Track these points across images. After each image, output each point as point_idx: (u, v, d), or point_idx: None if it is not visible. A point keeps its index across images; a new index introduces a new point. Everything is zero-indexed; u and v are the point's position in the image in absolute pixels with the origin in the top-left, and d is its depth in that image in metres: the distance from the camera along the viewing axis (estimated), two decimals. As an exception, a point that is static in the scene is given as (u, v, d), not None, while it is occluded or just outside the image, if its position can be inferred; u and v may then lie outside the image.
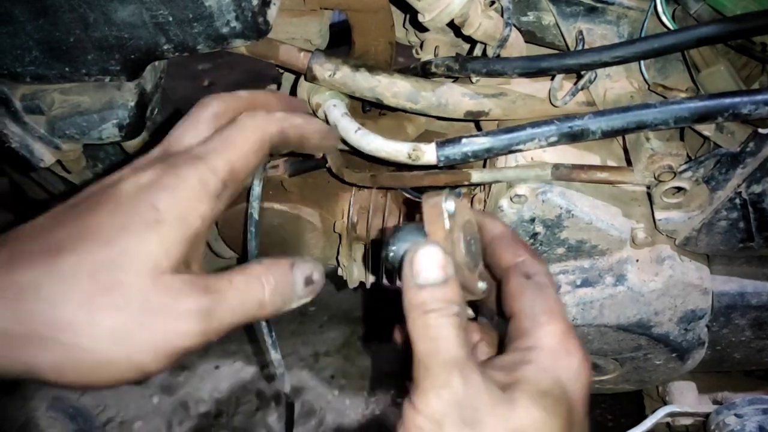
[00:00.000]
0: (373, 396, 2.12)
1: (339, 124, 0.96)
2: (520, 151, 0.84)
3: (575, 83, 0.93)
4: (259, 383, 2.21)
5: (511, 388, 0.50)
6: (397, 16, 1.08)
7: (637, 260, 1.01)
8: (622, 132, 0.82)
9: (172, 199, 0.49)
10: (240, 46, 0.88)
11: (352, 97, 1.00)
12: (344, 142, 0.96)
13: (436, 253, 0.53)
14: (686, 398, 1.28)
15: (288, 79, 1.14)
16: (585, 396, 0.54)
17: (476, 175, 0.96)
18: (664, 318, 1.02)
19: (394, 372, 2.13)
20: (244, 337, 2.32)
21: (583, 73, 0.92)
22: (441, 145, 0.87)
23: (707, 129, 0.89)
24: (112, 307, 0.45)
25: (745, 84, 0.89)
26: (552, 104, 0.96)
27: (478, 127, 1.07)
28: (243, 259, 1.72)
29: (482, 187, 1.08)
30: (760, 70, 0.89)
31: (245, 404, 2.16)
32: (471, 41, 0.98)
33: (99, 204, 0.49)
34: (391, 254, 0.58)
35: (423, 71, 0.97)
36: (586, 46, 0.92)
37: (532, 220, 0.97)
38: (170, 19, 0.79)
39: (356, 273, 1.32)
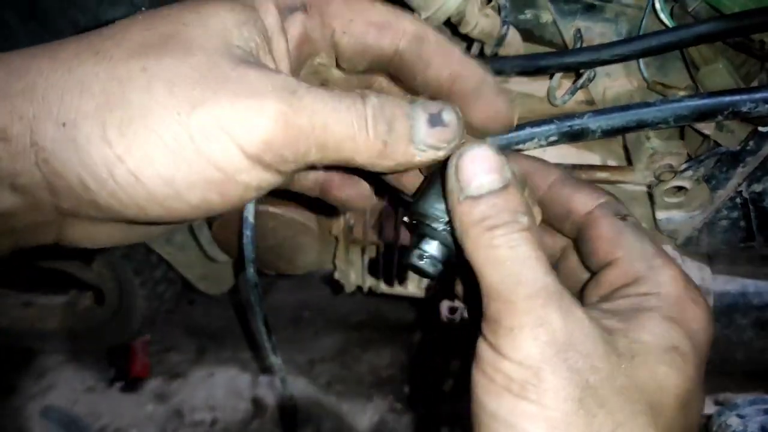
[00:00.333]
0: (371, 402, 2.11)
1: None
2: (520, 150, 0.83)
3: (574, 82, 0.93)
4: (254, 390, 2.19)
5: (629, 338, 0.41)
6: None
7: (638, 261, 1.00)
8: (622, 131, 0.81)
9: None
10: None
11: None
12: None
13: (487, 154, 0.44)
14: (688, 400, 1.28)
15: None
16: (708, 353, 0.46)
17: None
18: (665, 319, 1.01)
19: (392, 377, 2.12)
20: (239, 344, 2.31)
21: (582, 71, 0.91)
22: (439, 145, 0.86)
23: (707, 128, 0.88)
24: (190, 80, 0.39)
25: (744, 82, 0.88)
26: (551, 103, 0.95)
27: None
28: (239, 264, 1.71)
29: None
30: (758, 67, 0.88)
31: (241, 411, 2.14)
32: (468, 40, 0.97)
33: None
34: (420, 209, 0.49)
35: (420, 71, 0.96)
36: (584, 45, 0.91)
37: (532, 221, 0.96)
38: (162, 20, 0.78)
39: (353, 277, 1.31)
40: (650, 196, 0.97)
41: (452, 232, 0.46)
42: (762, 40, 0.81)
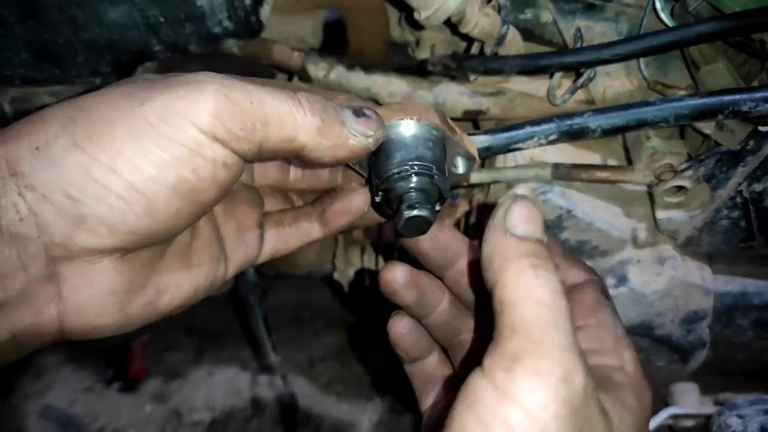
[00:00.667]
0: (371, 402, 2.10)
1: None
2: (520, 149, 0.83)
3: (574, 81, 0.92)
4: (254, 390, 2.19)
5: (610, 409, 0.43)
6: (393, 14, 1.07)
7: (639, 261, 1.00)
8: (622, 130, 0.81)
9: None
10: (233, 46, 0.87)
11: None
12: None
13: (537, 212, 0.46)
14: (688, 400, 1.27)
15: (282, 79, 1.13)
16: None
17: (475, 176, 0.95)
18: (666, 319, 1.01)
19: (392, 377, 2.11)
20: (239, 343, 2.30)
21: (582, 71, 0.91)
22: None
23: (707, 127, 0.88)
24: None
25: (745, 81, 0.88)
26: (551, 103, 0.95)
27: (476, 126, 1.06)
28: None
29: (481, 187, 1.07)
30: (759, 67, 0.88)
31: (240, 411, 2.14)
32: (468, 39, 0.97)
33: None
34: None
35: (419, 70, 0.96)
36: (584, 44, 0.91)
37: (532, 220, 0.96)
38: (162, 19, 0.78)
39: (352, 277, 1.30)
40: (650, 196, 0.97)
41: (430, 177, 0.54)
42: (762, 39, 0.81)
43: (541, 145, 0.83)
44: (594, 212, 0.95)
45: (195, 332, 2.40)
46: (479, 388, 0.39)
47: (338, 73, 0.95)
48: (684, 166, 0.89)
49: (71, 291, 0.45)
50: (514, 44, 0.94)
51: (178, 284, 0.53)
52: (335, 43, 1.09)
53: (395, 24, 1.10)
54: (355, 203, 0.62)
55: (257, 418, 2.12)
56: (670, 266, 0.99)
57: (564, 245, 0.99)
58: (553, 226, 0.96)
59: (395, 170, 0.54)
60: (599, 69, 0.93)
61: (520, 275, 0.41)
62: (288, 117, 0.47)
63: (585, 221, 0.95)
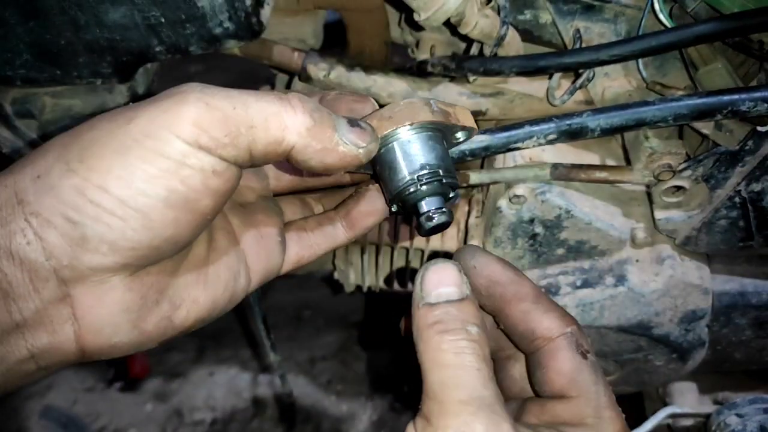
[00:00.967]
0: (371, 401, 2.11)
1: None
2: (519, 149, 0.83)
3: (573, 82, 0.93)
4: (254, 390, 2.19)
5: None
6: (392, 15, 1.08)
7: (637, 260, 1.00)
8: (621, 130, 0.82)
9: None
10: (233, 47, 0.87)
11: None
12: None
13: (451, 270, 0.49)
14: (687, 399, 1.28)
15: (282, 80, 1.13)
16: None
17: (474, 176, 0.95)
18: (664, 318, 1.02)
19: (392, 376, 2.12)
20: (239, 343, 2.31)
21: (581, 71, 0.92)
22: (438, 145, 0.86)
23: (706, 127, 0.88)
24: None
25: (743, 82, 0.88)
26: (550, 103, 0.96)
27: (476, 127, 1.07)
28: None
29: (480, 188, 1.07)
30: (757, 67, 0.88)
31: (241, 411, 2.15)
32: (467, 40, 0.97)
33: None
34: None
35: (419, 70, 0.97)
36: (583, 45, 0.91)
37: (531, 220, 0.96)
38: (162, 20, 0.78)
39: (353, 277, 1.31)
40: (649, 196, 0.97)
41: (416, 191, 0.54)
42: (761, 40, 0.81)
43: (540, 144, 0.83)
44: (593, 212, 0.96)
45: (195, 332, 2.40)
46: None
47: (338, 73, 0.95)
48: (683, 166, 0.90)
49: (85, 311, 0.46)
50: (514, 45, 0.94)
51: (194, 298, 0.53)
52: (335, 43, 1.09)
53: (395, 25, 1.10)
54: (381, 203, 0.62)
55: (258, 418, 2.13)
56: (668, 266, 0.99)
57: (563, 245, 1.00)
58: (552, 226, 0.97)
59: (403, 185, 0.55)
60: (598, 69, 0.93)
61: (428, 344, 0.47)
62: (274, 118, 0.46)
63: (584, 221, 0.95)
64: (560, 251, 1.01)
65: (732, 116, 0.78)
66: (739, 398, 1.13)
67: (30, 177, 0.44)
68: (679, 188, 0.92)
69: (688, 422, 1.25)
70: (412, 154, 0.54)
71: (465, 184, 0.97)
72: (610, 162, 0.99)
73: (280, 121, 0.46)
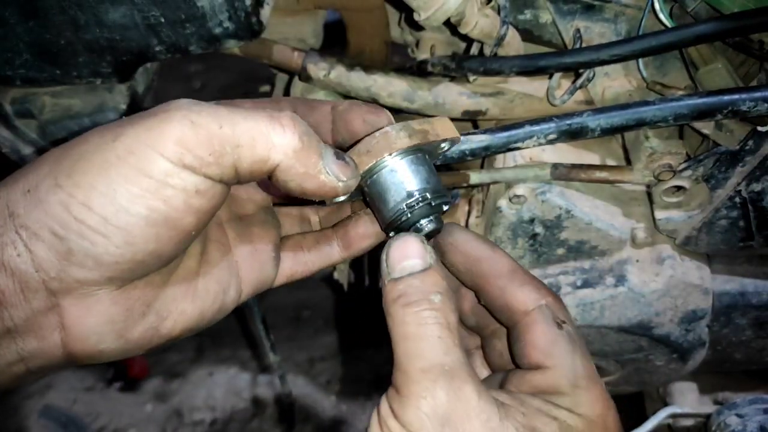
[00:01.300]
0: (370, 401, 2.11)
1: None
2: (519, 149, 0.83)
3: (573, 82, 0.93)
4: (254, 390, 2.19)
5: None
6: (392, 14, 1.08)
7: (638, 260, 1.00)
8: (621, 129, 0.82)
9: None
10: (233, 46, 0.87)
11: (347, 97, 0.99)
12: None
13: (412, 242, 0.51)
14: (687, 399, 1.28)
15: (282, 79, 1.13)
16: None
17: (475, 176, 0.95)
18: (665, 319, 1.02)
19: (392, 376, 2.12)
20: (238, 343, 2.31)
21: (581, 71, 0.91)
22: (439, 144, 0.86)
23: (706, 127, 0.88)
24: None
25: (744, 81, 0.88)
26: (550, 103, 0.95)
27: (476, 127, 1.07)
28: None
29: (480, 188, 1.07)
30: (758, 67, 0.88)
31: (240, 411, 2.15)
32: (468, 40, 0.97)
33: None
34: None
35: (419, 70, 0.97)
36: (583, 45, 0.91)
37: (532, 220, 0.96)
38: (162, 20, 0.78)
39: (352, 276, 1.31)
40: (649, 196, 0.97)
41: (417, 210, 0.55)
42: (761, 40, 0.81)
43: (540, 144, 0.84)
44: (593, 212, 0.96)
45: (195, 332, 2.40)
46: (382, 403, 0.48)
47: (338, 73, 0.95)
48: (683, 166, 0.90)
49: (72, 320, 0.47)
50: (514, 45, 0.94)
51: (182, 310, 0.53)
52: (335, 43, 1.09)
53: (395, 24, 1.10)
54: (377, 227, 0.62)
55: (257, 418, 2.13)
56: (668, 266, 0.99)
57: (563, 245, 0.99)
58: (552, 226, 0.97)
59: (394, 215, 0.56)
60: (598, 69, 0.93)
61: (394, 318, 0.48)
62: (261, 138, 0.46)
63: (584, 221, 0.95)
64: (560, 251, 1.01)
65: (732, 116, 0.78)
66: (739, 398, 1.13)
67: (21, 190, 0.45)
68: (679, 188, 0.92)
69: (688, 422, 1.25)
70: (398, 183, 0.55)
71: (465, 184, 0.96)
72: (610, 162, 0.99)
73: (268, 140, 0.46)
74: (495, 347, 0.61)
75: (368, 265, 1.38)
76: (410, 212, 0.55)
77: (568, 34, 0.93)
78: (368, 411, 2.08)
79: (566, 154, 0.97)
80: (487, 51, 0.93)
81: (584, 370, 0.51)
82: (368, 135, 0.55)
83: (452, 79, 0.98)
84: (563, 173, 0.92)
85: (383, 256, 0.51)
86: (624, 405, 0.54)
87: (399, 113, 0.98)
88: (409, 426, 0.45)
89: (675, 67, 0.93)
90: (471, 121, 1.03)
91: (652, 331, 1.03)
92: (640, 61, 0.92)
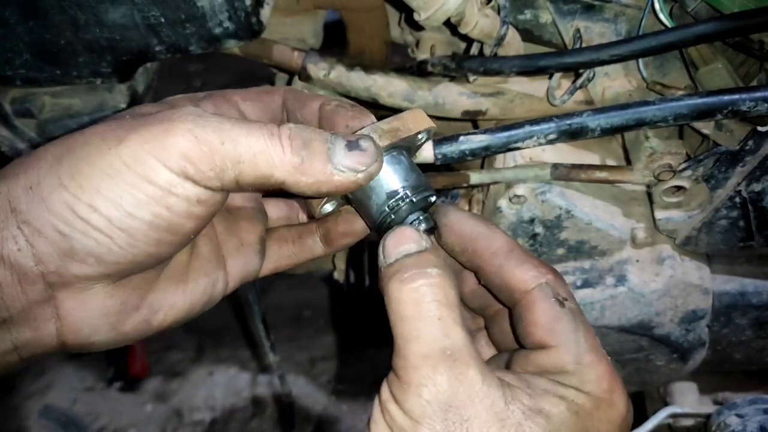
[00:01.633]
0: (371, 401, 2.11)
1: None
2: (519, 148, 0.83)
3: (573, 82, 0.93)
4: (254, 389, 2.19)
5: (525, 414, 0.45)
6: (392, 14, 1.08)
7: (638, 260, 1.00)
8: (621, 129, 0.82)
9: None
10: (233, 46, 0.87)
11: (346, 97, 0.99)
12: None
13: (408, 231, 0.51)
14: (687, 399, 1.28)
15: (282, 79, 1.13)
16: None
17: (475, 177, 0.95)
18: (665, 318, 1.02)
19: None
20: (238, 343, 2.31)
21: (581, 71, 0.91)
22: (438, 142, 0.86)
23: (706, 127, 0.88)
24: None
25: (744, 82, 0.88)
26: (550, 103, 0.95)
27: (476, 127, 1.07)
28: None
29: (480, 188, 1.07)
30: (758, 67, 0.88)
31: (240, 411, 2.15)
32: (468, 40, 0.97)
33: None
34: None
35: (419, 70, 0.97)
36: (583, 45, 0.91)
37: (532, 220, 0.96)
38: (162, 20, 0.78)
39: (352, 276, 1.31)
40: (649, 196, 0.97)
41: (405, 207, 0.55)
42: (761, 40, 0.81)
43: (540, 144, 0.83)
44: (593, 212, 0.96)
45: (195, 331, 2.40)
46: (383, 387, 0.47)
47: (338, 73, 0.95)
48: (683, 166, 0.90)
49: (67, 312, 0.49)
50: (514, 45, 0.94)
51: (173, 303, 0.55)
52: (335, 43, 1.09)
53: (395, 25, 1.10)
54: (358, 226, 0.63)
55: (257, 418, 2.13)
56: (668, 266, 0.99)
57: (563, 245, 0.99)
58: (552, 226, 0.97)
59: (377, 218, 0.56)
60: (598, 69, 0.93)
61: (390, 298, 0.47)
62: (262, 156, 0.47)
63: (584, 221, 0.95)
64: (560, 251, 1.01)
65: (732, 116, 0.78)
66: (739, 398, 1.13)
67: (23, 186, 0.46)
68: (679, 188, 0.92)
69: (688, 422, 1.25)
70: (377, 186, 0.55)
71: (465, 184, 0.96)
72: (610, 162, 0.99)
73: (268, 158, 0.47)
74: (499, 327, 0.60)
75: (368, 266, 1.38)
76: (393, 213, 0.55)
77: (568, 34, 0.94)
78: (368, 411, 2.08)
79: (566, 154, 0.97)
80: (487, 51, 0.93)
81: (589, 347, 0.50)
82: None
83: (452, 79, 0.98)
84: (563, 173, 0.92)
85: (380, 250, 0.51)
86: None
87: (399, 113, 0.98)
88: (411, 413, 0.44)
89: (675, 67, 0.93)
90: (471, 121, 1.03)
91: (653, 331, 1.03)
92: (640, 61, 0.92)
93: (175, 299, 0.55)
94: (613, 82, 0.95)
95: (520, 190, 0.93)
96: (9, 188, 0.46)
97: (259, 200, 0.66)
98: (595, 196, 0.97)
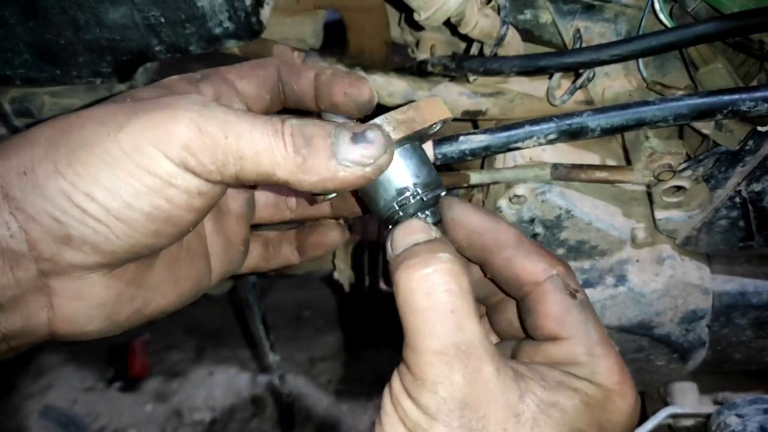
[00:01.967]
0: (371, 401, 2.11)
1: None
2: (519, 148, 0.83)
3: (573, 82, 0.93)
4: (254, 389, 2.19)
5: (539, 408, 0.44)
6: (392, 14, 1.08)
7: (638, 260, 1.00)
8: (621, 129, 0.82)
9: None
10: (233, 46, 0.87)
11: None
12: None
13: (416, 223, 0.50)
14: (687, 399, 1.28)
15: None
16: None
17: (475, 177, 0.95)
18: (665, 318, 1.02)
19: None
20: (239, 343, 2.31)
21: (581, 71, 0.91)
22: (438, 142, 0.86)
23: (706, 127, 0.88)
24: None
25: (744, 82, 0.88)
26: (550, 103, 0.95)
27: (476, 127, 1.07)
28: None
29: (480, 188, 1.07)
30: (758, 67, 0.88)
31: (240, 411, 2.15)
32: (468, 40, 0.97)
33: None
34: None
35: (419, 70, 0.97)
36: (583, 45, 0.91)
37: (532, 220, 0.96)
38: (162, 20, 0.78)
39: (353, 276, 1.31)
40: (649, 196, 0.97)
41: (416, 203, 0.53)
42: (761, 40, 0.81)
43: (540, 144, 0.83)
44: (593, 212, 0.96)
45: (195, 331, 2.40)
46: (394, 379, 0.46)
47: (338, 73, 0.95)
48: (683, 166, 0.90)
49: (62, 302, 0.48)
50: (514, 45, 0.94)
51: (164, 293, 0.55)
52: (335, 43, 1.09)
53: (395, 25, 1.10)
54: (329, 238, 0.65)
55: (257, 418, 2.13)
56: (668, 266, 0.99)
57: (563, 245, 0.99)
58: (552, 226, 0.97)
59: (386, 213, 0.54)
60: (598, 69, 0.93)
61: (400, 286, 0.45)
62: (265, 154, 0.45)
63: (584, 221, 0.95)
64: (560, 251, 1.01)
65: (732, 116, 0.78)
66: (739, 398, 1.13)
67: (16, 171, 0.45)
68: (679, 188, 0.92)
69: (688, 422, 1.25)
70: (386, 180, 0.53)
71: (465, 184, 0.96)
72: (610, 162, 0.99)
73: (271, 156, 0.45)
74: (503, 316, 0.59)
75: (368, 266, 1.38)
76: (402, 210, 0.53)
77: (568, 34, 0.94)
78: (369, 411, 2.08)
79: (566, 154, 0.97)
80: (487, 51, 0.93)
81: (599, 339, 0.50)
82: None
83: (452, 79, 0.98)
84: (563, 173, 0.92)
85: (387, 243, 0.50)
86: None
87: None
88: (426, 410, 0.43)
89: (675, 67, 0.93)
90: (471, 121, 1.03)
91: (653, 331, 1.03)
92: (640, 61, 0.92)
93: (167, 290, 0.55)
94: (613, 82, 0.95)
95: (520, 190, 0.93)
96: (1, 173, 0.45)
97: (251, 193, 0.66)
98: (595, 196, 0.97)
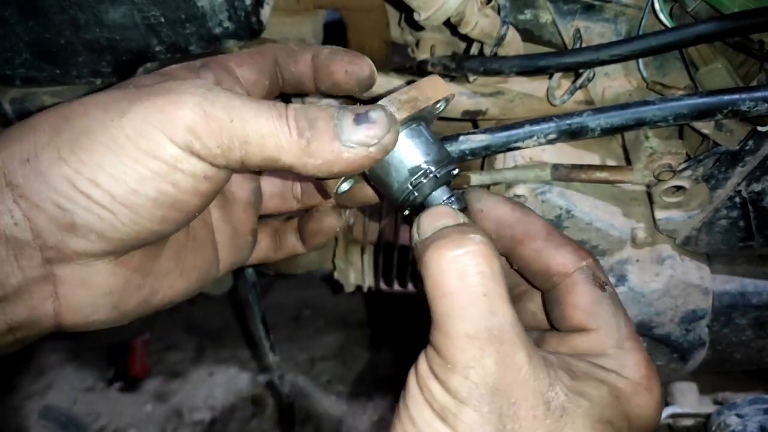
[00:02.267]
0: (371, 401, 2.11)
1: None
2: (519, 148, 0.83)
3: (573, 82, 0.93)
4: (254, 389, 2.19)
5: (568, 397, 0.44)
6: (392, 14, 1.08)
7: (638, 260, 1.00)
8: (621, 129, 0.81)
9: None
10: (233, 46, 0.87)
11: (346, 96, 0.99)
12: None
13: (443, 208, 0.49)
14: (687, 399, 1.28)
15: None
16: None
17: (475, 177, 0.95)
18: (665, 318, 1.01)
19: (393, 376, 2.12)
20: (238, 343, 2.31)
21: (581, 71, 0.91)
22: (438, 144, 0.86)
23: (706, 127, 0.88)
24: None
25: (744, 82, 0.88)
26: (550, 103, 0.95)
27: (476, 127, 1.06)
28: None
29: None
30: (758, 67, 0.88)
31: (240, 411, 2.14)
32: (468, 40, 0.97)
33: None
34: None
35: (419, 70, 0.97)
36: (583, 45, 0.91)
37: (531, 220, 0.96)
38: (162, 20, 0.78)
39: (353, 276, 1.31)
40: (649, 196, 0.97)
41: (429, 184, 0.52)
42: (761, 40, 0.81)
43: (540, 144, 0.83)
44: (593, 212, 0.96)
45: (195, 332, 2.40)
46: (421, 362, 0.45)
47: (338, 73, 0.95)
48: (683, 166, 0.89)
49: (68, 291, 0.47)
50: (514, 45, 0.94)
51: (171, 283, 0.54)
52: (335, 43, 1.09)
53: (395, 24, 1.10)
54: (326, 224, 0.65)
55: (257, 418, 2.13)
56: (668, 266, 0.99)
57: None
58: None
59: (400, 196, 0.53)
60: (598, 69, 0.93)
61: (429, 268, 0.44)
62: (270, 138, 0.45)
63: (584, 221, 0.95)
64: (560, 251, 1.01)
65: (732, 116, 0.78)
66: (739, 398, 1.13)
67: (19, 159, 0.44)
68: (679, 188, 0.92)
69: (688, 422, 1.25)
70: (397, 162, 0.53)
71: (465, 185, 0.96)
72: (610, 162, 0.99)
73: (276, 140, 0.45)
74: (526, 308, 0.59)
75: (370, 267, 1.38)
76: (417, 190, 0.53)
77: (568, 34, 0.93)
78: (368, 411, 2.08)
79: (566, 154, 0.97)
80: (487, 51, 0.93)
81: (628, 332, 0.50)
82: None
83: (452, 79, 0.98)
84: (563, 173, 0.92)
85: (414, 229, 0.48)
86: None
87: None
88: (456, 394, 0.42)
89: (675, 67, 0.93)
90: (471, 121, 1.03)
91: (653, 330, 1.03)
92: (640, 61, 0.92)
93: (174, 279, 0.54)
94: (613, 82, 0.95)
95: (520, 190, 0.93)
96: (4, 160, 0.44)
97: (258, 182, 0.65)
98: (595, 196, 0.97)
